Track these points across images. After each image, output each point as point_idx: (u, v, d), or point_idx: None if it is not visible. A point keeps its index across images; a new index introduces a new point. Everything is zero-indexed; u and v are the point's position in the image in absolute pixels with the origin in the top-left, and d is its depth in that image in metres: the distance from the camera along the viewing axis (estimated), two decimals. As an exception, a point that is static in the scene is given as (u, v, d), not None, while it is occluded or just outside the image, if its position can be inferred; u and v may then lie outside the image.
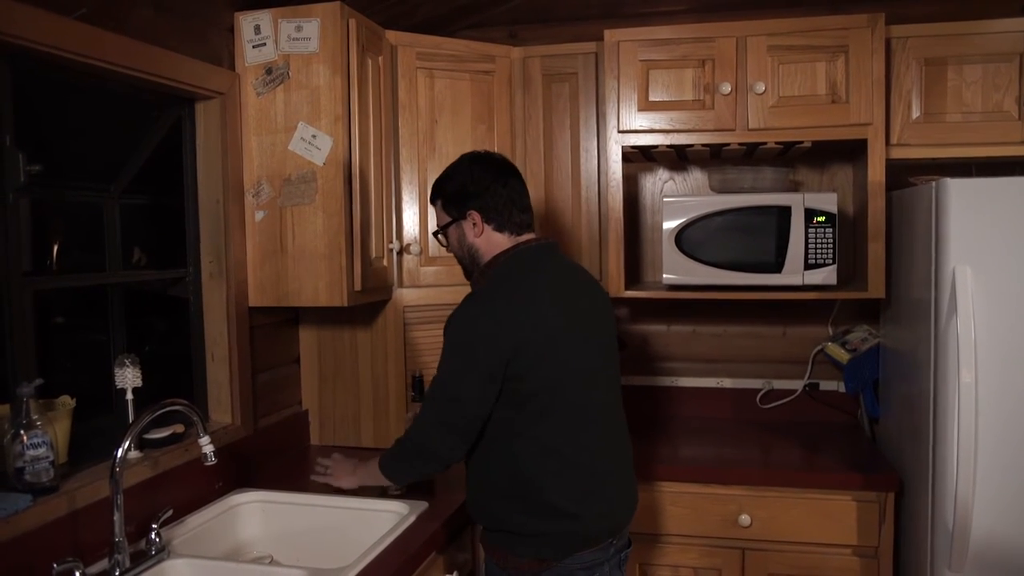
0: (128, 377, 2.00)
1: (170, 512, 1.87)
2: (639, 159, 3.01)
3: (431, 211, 2.55)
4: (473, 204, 1.92)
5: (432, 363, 2.68)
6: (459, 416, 1.82)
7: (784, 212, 2.61)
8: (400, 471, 2.01)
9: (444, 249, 2.61)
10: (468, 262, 1.99)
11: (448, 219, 1.98)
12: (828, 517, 2.43)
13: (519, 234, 1.95)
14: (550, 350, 1.80)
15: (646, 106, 2.68)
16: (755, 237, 2.63)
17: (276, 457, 2.58)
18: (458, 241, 1.98)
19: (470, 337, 1.81)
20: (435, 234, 2.06)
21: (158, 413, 1.78)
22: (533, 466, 1.80)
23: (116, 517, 1.70)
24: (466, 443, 1.86)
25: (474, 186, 1.93)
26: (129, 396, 2.00)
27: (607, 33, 2.69)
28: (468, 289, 2.64)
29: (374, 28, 2.48)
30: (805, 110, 2.58)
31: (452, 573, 2.05)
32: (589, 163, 2.82)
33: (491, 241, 1.93)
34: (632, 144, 2.71)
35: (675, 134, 2.68)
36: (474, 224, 1.93)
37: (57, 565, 1.58)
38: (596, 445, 1.88)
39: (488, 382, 1.78)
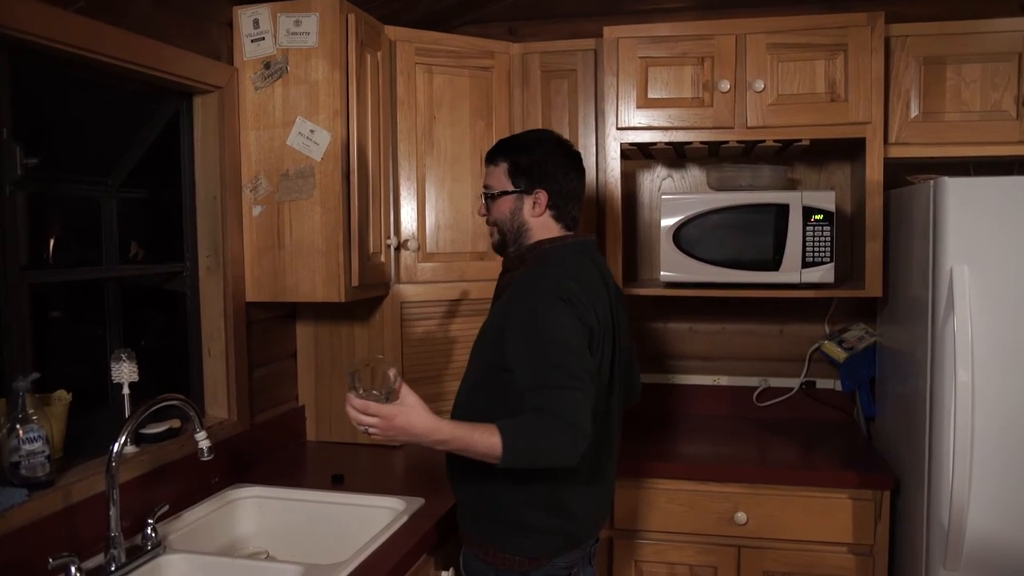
0: (124, 372, 2.00)
1: (166, 507, 1.86)
2: (637, 156, 3.01)
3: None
4: (545, 184, 1.86)
5: (429, 359, 2.69)
6: (593, 384, 1.67)
7: (782, 210, 2.61)
8: (534, 455, 1.64)
9: (437, 247, 2.67)
10: (512, 236, 1.90)
11: (511, 188, 1.88)
12: (824, 515, 2.44)
13: (569, 228, 1.92)
14: (601, 346, 1.78)
15: (645, 103, 2.68)
16: (753, 235, 2.63)
17: (273, 452, 2.58)
18: (510, 213, 1.89)
19: (563, 310, 1.68)
20: (487, 196, 1.93)
21: (154, 408, 1.78)
22: None
23: (112, 512, 1.69)
24: None
25: (554, 168, 1.86)
26: (125, 391, 1.99)
27: (606, 30, 2.69)
28: (463, 286, 2.68)
29: (373, 23, 2.47)
30: (804, 108, 2.58)
31: (448, 569, 2.04)
32: (588, 160, 2.80)
33: (545, 225, 1.89)
34: (631, 141, 2.71)
35: (674, 131, 2.67)
36: (535, 204, 1.87)
37: (53, 560, 1.57)
38: (605, 448, 1.89)
39: (588, 352, 1.70)
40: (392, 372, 1.64)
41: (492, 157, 1.93)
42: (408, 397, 1.64)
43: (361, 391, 1.61)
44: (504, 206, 1.90)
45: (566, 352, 1.66)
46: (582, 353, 1.69)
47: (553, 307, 1.70)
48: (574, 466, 1.66)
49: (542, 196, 1.86)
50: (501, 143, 1.95)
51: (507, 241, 1.92)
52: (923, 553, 2.24)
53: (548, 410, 1.61)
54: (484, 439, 1.60)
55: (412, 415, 1.62)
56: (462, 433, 1.63)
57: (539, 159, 1.87)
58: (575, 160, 1.93)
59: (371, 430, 1.63)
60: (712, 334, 3.15)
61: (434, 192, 2.65)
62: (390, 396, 1.62)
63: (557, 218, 1.89)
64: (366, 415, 1.60)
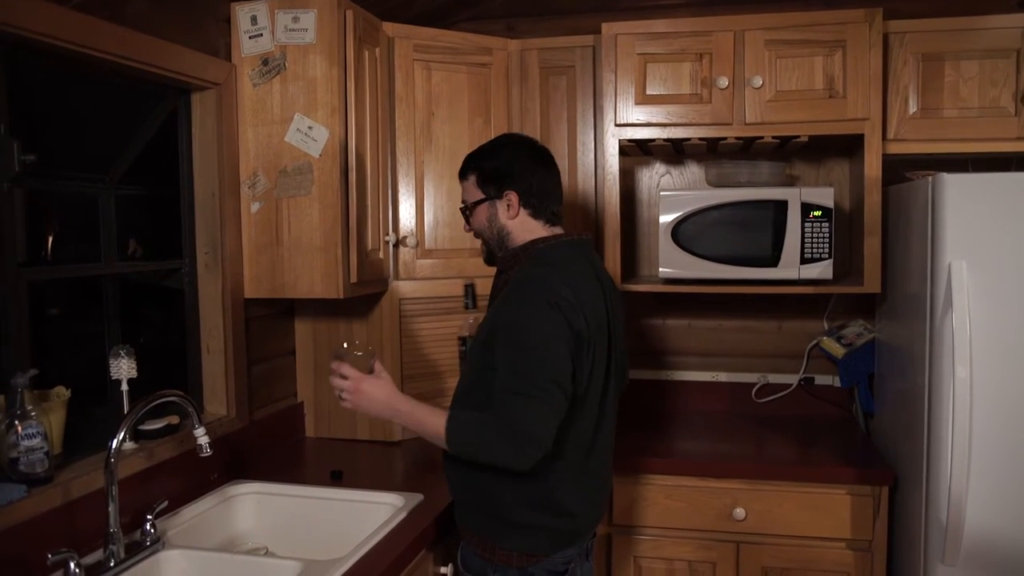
0: (123, 368, 2.00)
1: (165, 503, 1.87)
2: (636, 153, 3.01)
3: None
4: (512, 185, 1.86)
5: (428, 356, 2.69)
6: (562, 396, 1.69)
7: (781, 206, 2.61)
8: (475, 451, 1.73)
9: (436, 244, 2.67)
10: (495, 243, 1.92)
11: (481, 196, 1.90)
12: (822, 511, 2.44)
13: (553, 224, 1.91)
14: (594, 346, 1.77)
15: (643, 100, 2.68)
16: (751, 231, 2.63)
17: (271, 449, 2.58)
18: (488, 220, 1.90)
19: (548, 315, 1.70)
20: (463, 210, 1.97)
21: (153, 404, 1.78)
22: (552, 464, 1.77)
23: (111, 508, 1.70)
24: (559, 424, 1.71)
25: (518, 166, 1.86)
26: (124, 387, 1.99)
27: (604, 26, 2.69)
28: (462, 282, 2.68)
29: (371, 20, 2.47)
30: (802, 104, 2.58)
31: (447, 565, 2.05)
32: (586, 156, 2.81)
33: (525, 226, 1.88)
34: (629, 138, 2.71)
35: (672, 128, 2.67)
36: (509, 206, 1.86)
37: (52, 556, 1.57)
38: (602, 446, 1.89)
39: (570, 360, 1.70)
40: (371, 352, 1.83)
41: (462, 172, 1.96)
42: (381, 373, 1.83)
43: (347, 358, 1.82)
44: (481, 215, 1.92)
45: (539, 360, 1.68)
46: (558, 361, 1.69)
47: (537, 313, 1.71)
48: (526, 470, 1.71)
49: (513, 197, 1.86)
50: (467, 157, 1.96)
51: (493, 249, 1.94)
52: (921, 548, 2.25)
53: (502, 416, 1.68)
54: (433, 422, 1.75)
55: (376, 384, 1.80)
56: (418, 413, 1.79)
57: (503, 162, 1.88)
58: (542, 156, 1.92)
59: (343, 395, 1.81)
60: (711, 330, 3.15)
61: (432, 189, 2.65)
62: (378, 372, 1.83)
63: (535, 216, 1.88)
64: (340, 375, 1.80)
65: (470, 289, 2.53)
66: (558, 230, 1.92)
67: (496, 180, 1.88)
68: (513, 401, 1.68)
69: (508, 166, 1.88)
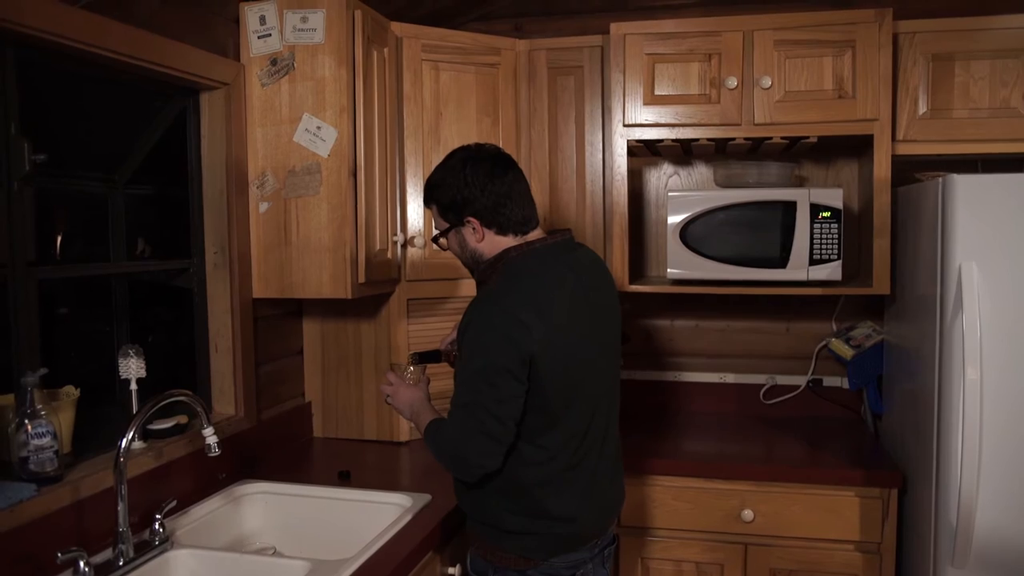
0: (132, 367, 2.00)
1: (174, 503, 1.87)
2: (644, 153, 3.01)
3: (420, 198, 2.58)
4: (470, 210, 1.82)
5: (436, 356, 2.68)
6: (496, 422, 1.71)
7: (789, 207, 2.60)
8: (435, 456, 1.86)
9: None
10: (472, 264, 1.91)
11: (446, 225, 1.89)
12: (831, 513, 2.43)
13: (524, 232, 1.86)
14: (566, 353, 1.75)
15: (652, 100, 2.67)
16: (760, 232, 2.63)
17: (279, 448, 2.58)
18: (459, 246, 1.90)
19: (494, 337, 1.71)
20: (434, 239, 1.97)
21: (162, 403, 1.78)
22: (535, 473, 1.78)
23: (120, 507, 1.70)
24: (505, 448, 1.75)
25: (468, 190, 1.81)
26: (133, 386, 2.00)
27: (613, 26, 2.69)
28: (470, 283, 2.66)
29: (380, 20, 2.47)
30: (811, 105, 2.57)
31: (455, 566, 2.05)
32: (594, 157, 2.81)
33: (495, 244, 1.85)
34: (637, 138, 2.70)
35: (680, 128, 2.67)
36: (474, 230, 1.84)
37: (61, 555, 1.57)
38: (597, 448, 1.87)
39: (518, 383, 1.71)
40: (424, 370, 2.09)
41: (424, 201, 1.96)
42: (420, 385, 2.05)
43: (407, 373, 2.08)
44: (452, 242, 1.92)
45: (474, 390, 1.73)
46: (495, 382, 1.70)
47: (484, 335, 1.73)
48: (471, 480, 1.81)
49: (475, 222, 1.84)
50: (425, 185, 1.94)
51: (471, 268, 1.94)
52: (931, 551, 2.24)
53: (448, 436, 1.79)
54: (422, 426, 1.91)
55: (409, 391, 2.02)
56: (421, 417, 1.94)
57: (453, 190, 1.84)
58: (492, 164, 1.85)
59: (388, 399, 2.05)
60: (719, 331, 3.14)
61: (441, 189, 2.65)
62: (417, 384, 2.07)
63: (501, 232, 1.84)
64: (388, 381, 2.05)
65: None
66: (533, 235, 1.88)
67: (453, 209, 1.85)
68: (453, 422, 1.77)
69: (460, 192, 1.83)
